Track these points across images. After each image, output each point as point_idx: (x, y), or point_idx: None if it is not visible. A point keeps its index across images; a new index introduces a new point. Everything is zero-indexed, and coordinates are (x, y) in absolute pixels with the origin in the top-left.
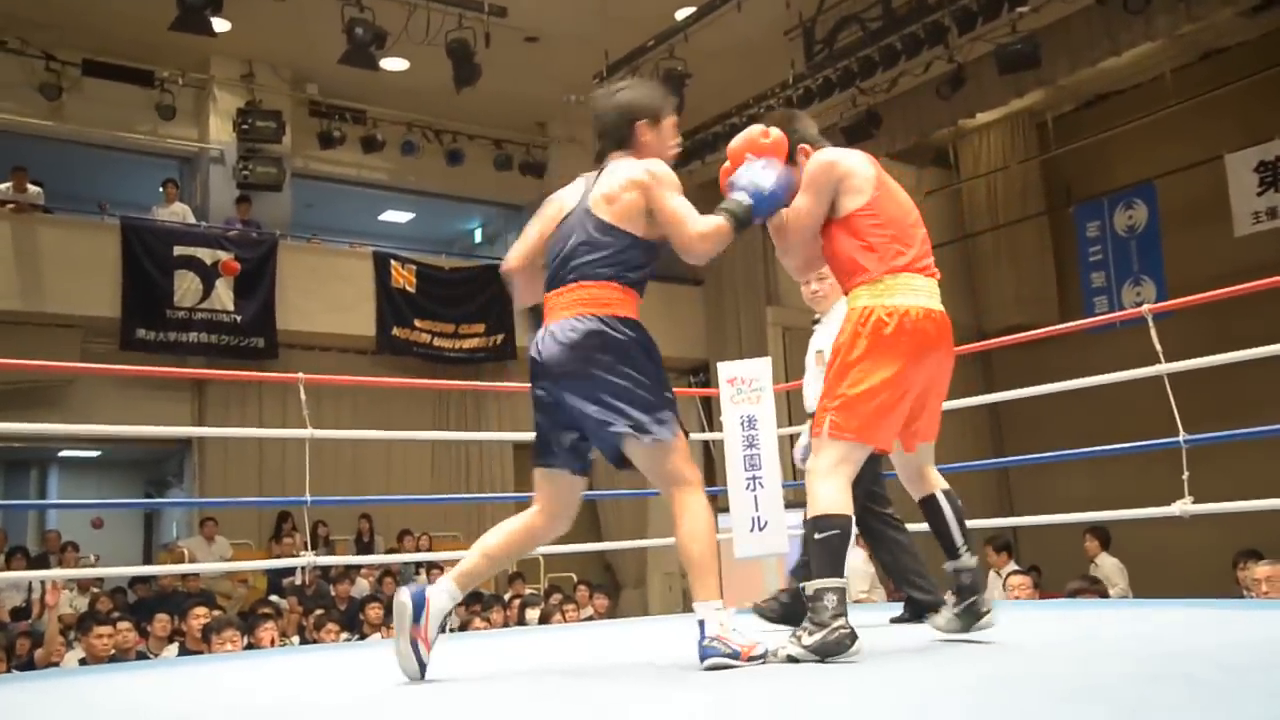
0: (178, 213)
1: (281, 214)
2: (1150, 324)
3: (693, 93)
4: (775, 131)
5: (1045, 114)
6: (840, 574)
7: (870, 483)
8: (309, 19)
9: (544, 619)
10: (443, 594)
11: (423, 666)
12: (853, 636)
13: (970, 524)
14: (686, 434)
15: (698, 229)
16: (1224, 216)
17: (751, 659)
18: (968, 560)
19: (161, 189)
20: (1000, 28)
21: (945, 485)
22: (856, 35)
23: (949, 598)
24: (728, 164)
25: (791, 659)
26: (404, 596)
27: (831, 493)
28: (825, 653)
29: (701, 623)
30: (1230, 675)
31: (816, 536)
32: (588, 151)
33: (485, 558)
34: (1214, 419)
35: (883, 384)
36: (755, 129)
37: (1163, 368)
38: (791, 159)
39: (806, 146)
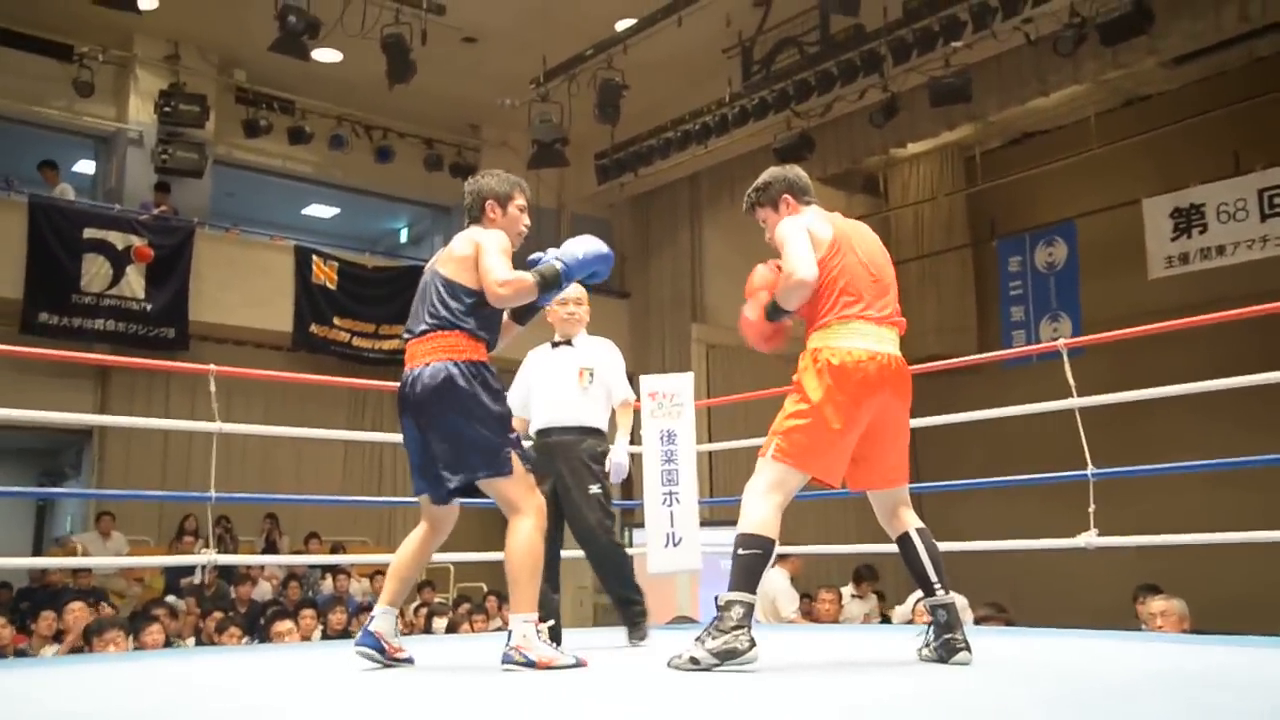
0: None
1: (200, 201)
2: (1065, 358)
3: (629, 104)
4: (753, 303)
5: (974, 148)
6: (752, 590)
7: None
8: (240, 2)
9: (451, 628)
10: (383, 617)
11: (410, 660)
12: (751, 643)
13: (877, 549)
14: (521, 457)
15: (499, 277)
16: (1139, 259)
17: (552, 669)
18: (943, 597)
19: (39, 171)
20: (934, 61)
21: (919, 524)
22: (794, 58)
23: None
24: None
25: (694, 660)
26: (360, 649)
27: (762, 513)
28: (725, 657)
29: (509, 632)
30: (1122, 701)
31: (740, 552)
32: (520, 156)
33: (400, 580)
34: (1120, 455)
35: (823, 418)
36: (752, 294)
37: (1074, 402)
38: (775, 208)
39: (789, 197)
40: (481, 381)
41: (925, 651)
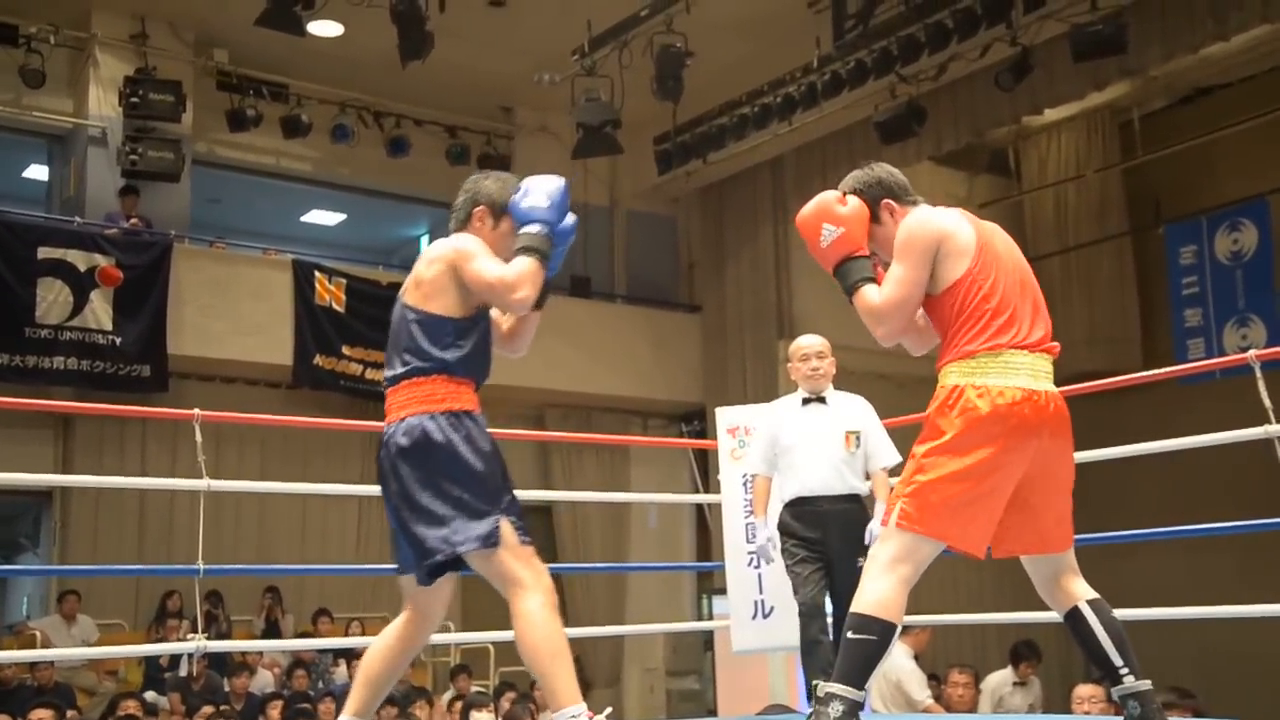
0: None
1: (178, 210)
2: (1258, 373)
3: (694, 75)
4: (854, 200)
5: (1131, 112)
6: (860, 686)
7: None
8: None
9: None
10: None
11: None
12: None
13: (1028, 617)
14: (518, 527)
15: (508, 278)
16: None
17: None
18: (1133, 684)
19: None
20: (1077, 4)
21: (1091, 594)
22: (898, 9)
23: None
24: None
25: None
26: None
27: (882, 591)
28: None
29: None
30: None
31: (850, 635)
32: (561, 143)
33: (370, 686)
34: None
35: (964, 472)
36: (830, 196)
37: (1273, 429)
38: (875, 219)
39: (892, 203)
40: (465, 435)
41: None
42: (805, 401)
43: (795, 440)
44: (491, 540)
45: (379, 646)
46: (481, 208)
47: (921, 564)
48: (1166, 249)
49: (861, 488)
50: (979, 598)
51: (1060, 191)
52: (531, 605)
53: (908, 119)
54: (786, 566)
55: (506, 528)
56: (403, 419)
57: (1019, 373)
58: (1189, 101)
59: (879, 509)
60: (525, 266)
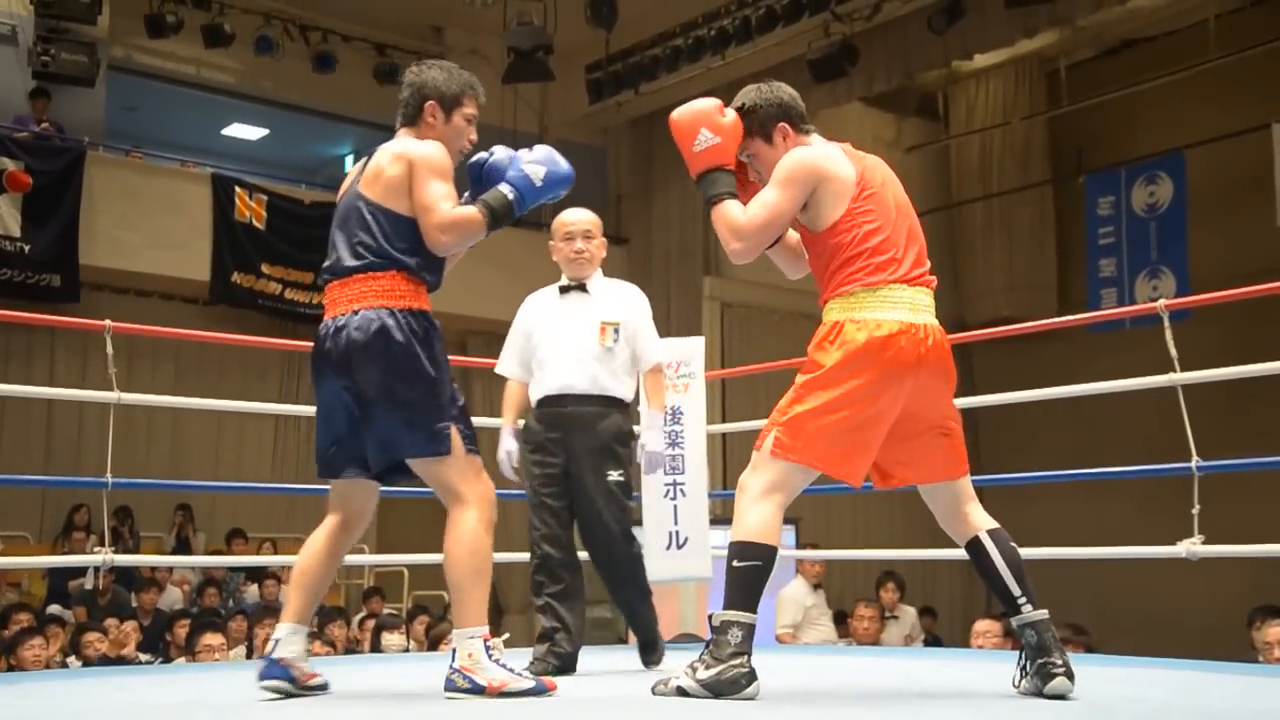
0: None
1: (93, 117)
2: (1166, 323)
3: (628, 3)
4: (731, 114)
5: (1058, 61)
6: (752, 608)
7: None
8: None
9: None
10: (291, 639)
11: (324, 686)
12: (751, 677)
13: (940, 555)
14: (466, 436)
15: (441, 218)
16: (1265, 200)
17: (505, 694)
18: (1030, 613)
19: None
20: None
21: (992, 524)
22: None
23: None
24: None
25: (681, 691)
26: (268, 682)
27: (759, 519)
28: (718, 691)
29: (454, 650)
30: None
31: (735, 564)
32: (492, 67)
33: (307, 591)
34: (1235, 444)
35: (838, 401)
36: (709, 103)
37: (1177, 377)
38: (768, 139)
39: (787, 127)
40: (422, 338)
41: (1024, 683)
42: (564, 290)
43: (545, 334)
44: (441, 449)
45: (311, 551)
46: (432, 102)
47: (794, 491)
48: (1086, 199)
49: (618, 389)
50: (888, 535)
51: (986, 138)
52: (467, 520)
53: (840, 58)
54: (527, 493)
55: (456, 437)
56: (357, 311)
57: (898, 306)
58: (1114, 53)
59: (650, 419)
60: (468, 217)
